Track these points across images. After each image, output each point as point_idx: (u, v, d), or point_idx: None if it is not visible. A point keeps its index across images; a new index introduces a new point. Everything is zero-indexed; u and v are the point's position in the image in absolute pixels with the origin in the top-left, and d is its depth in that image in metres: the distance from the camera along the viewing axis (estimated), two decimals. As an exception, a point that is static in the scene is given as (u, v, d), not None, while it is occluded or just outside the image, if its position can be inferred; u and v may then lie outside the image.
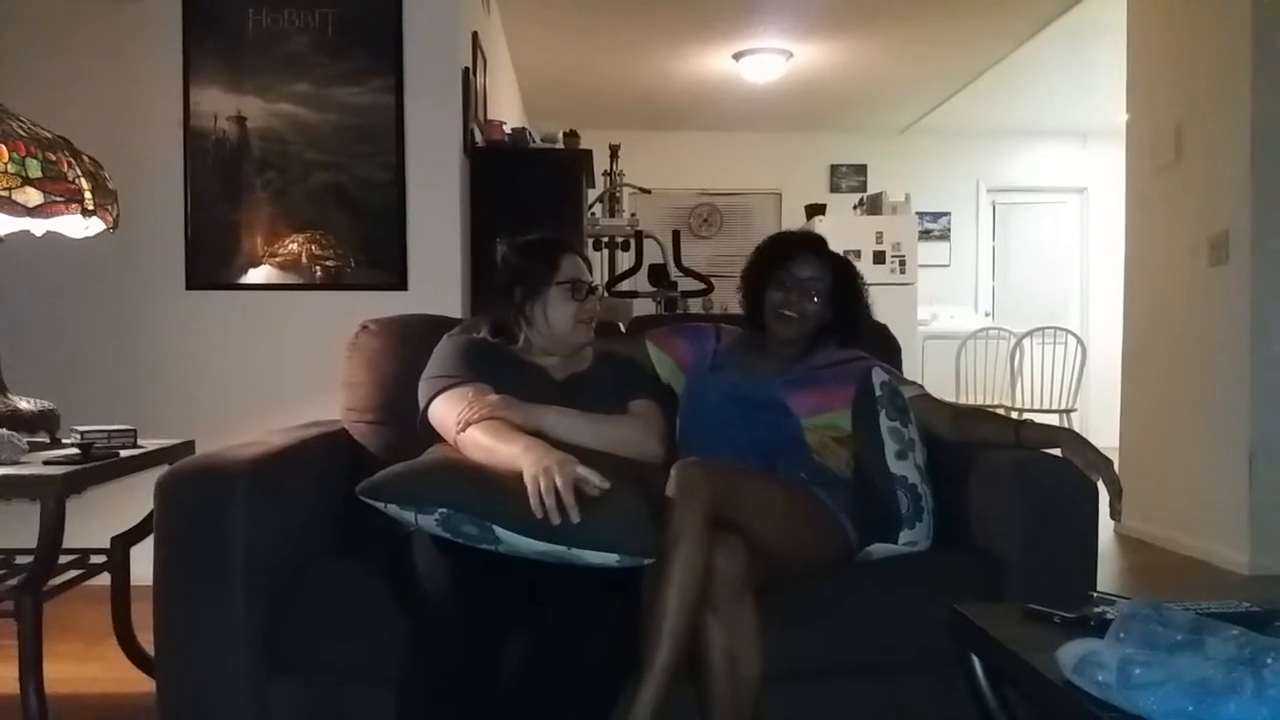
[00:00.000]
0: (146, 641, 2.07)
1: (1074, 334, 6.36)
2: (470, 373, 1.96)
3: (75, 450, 2.12)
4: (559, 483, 1.62)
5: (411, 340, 2.26)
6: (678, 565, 1.66)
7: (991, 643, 1.36)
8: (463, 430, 1.82)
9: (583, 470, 1.65)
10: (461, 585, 1.62)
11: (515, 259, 2.11)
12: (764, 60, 6.33)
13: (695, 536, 1.68)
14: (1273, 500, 3.79)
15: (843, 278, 2.23)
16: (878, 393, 2.09)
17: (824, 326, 2.21)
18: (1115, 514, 1.89)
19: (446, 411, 1.90)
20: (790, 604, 1.81)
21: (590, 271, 2.13)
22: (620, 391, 2.06)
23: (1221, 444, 3.99)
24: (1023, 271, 8.53)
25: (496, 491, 1.65)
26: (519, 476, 1.66)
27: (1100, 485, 1.87)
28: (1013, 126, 8.10)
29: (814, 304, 2.17)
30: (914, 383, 2.21)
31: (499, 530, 1.63)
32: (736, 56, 6.33)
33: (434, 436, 1.94)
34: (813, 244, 2.25)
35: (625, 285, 5.56)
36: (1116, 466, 1.89)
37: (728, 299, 6.73)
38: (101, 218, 2.31)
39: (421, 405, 1.98)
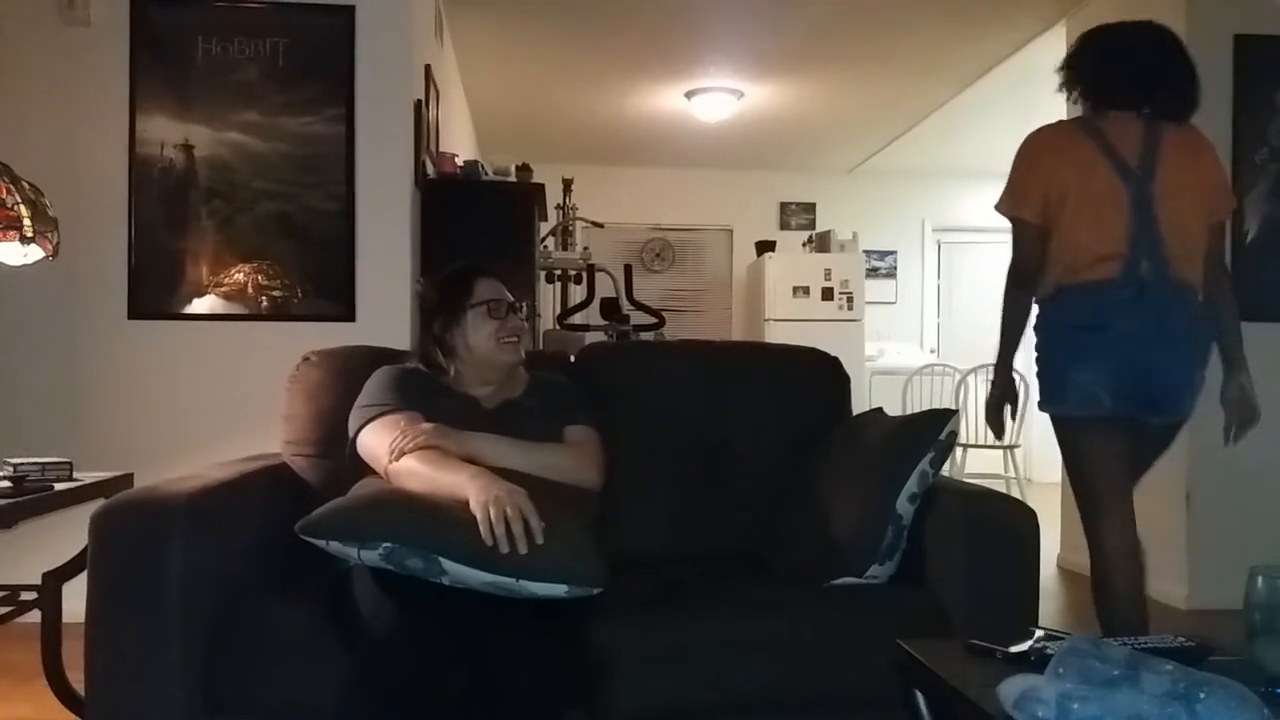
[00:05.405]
0: (77, 681, 2.00)
1: (1017, 371, 6.46)
2: (401, 401, 1.93)
3: (7, 483, 2.06)
4: (509, 512, 1.61)
5: (353, 372, 2.21)
6: None
7: (934, 678, 1.37)
8: (396, 459, 1.80)
9: (529, 507, 1.64)
10: (405, 623, 1.59)
11: (430, 291, 2.09)
12: (715, 99, 6.41)
13: None
14: (1209, 537, 3.87)
15: None
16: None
17: None
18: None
19: (377, 441, 1.87)
20: (743, 636, 1.81)
21: (518, 295, 2.10)
22: (556, 418, 2.04)
23: (1160, 482, 4.06)
24: (967, 309, 8.67)
25: (441, 523, 1.63)
26: (463, 506, 1.64)
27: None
28: (957, 168, 8.26)
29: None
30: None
31: (445, 562, 1.60)
32: (688, 95, 6.41)
33: (363, 467, 1.91)
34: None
35: (577, 318, 5.57)
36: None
37: (680, 333, 6.77)
38: (40, 245, 2.27)
39: (351, 434, 1.95)
